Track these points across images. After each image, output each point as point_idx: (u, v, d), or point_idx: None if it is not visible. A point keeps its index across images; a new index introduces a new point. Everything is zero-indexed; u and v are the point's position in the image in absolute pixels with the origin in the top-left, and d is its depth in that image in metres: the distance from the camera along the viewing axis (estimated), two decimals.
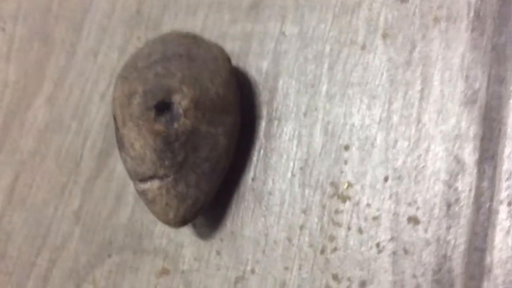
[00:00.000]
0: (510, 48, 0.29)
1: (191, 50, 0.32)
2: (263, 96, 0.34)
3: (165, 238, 0.36)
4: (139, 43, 0.39)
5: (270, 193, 0.33)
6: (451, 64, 0.30)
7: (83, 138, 0.40)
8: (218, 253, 0.34)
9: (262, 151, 0.34)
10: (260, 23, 0.35)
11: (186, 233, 0.35)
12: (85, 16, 0.42)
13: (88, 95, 0.40)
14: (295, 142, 0.33)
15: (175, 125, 0.30)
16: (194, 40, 0.33)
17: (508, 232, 0.28)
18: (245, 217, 0.34)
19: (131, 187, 0.37)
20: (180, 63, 0.31)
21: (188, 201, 0.31)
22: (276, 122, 0.34)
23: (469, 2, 0.30)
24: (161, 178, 0.31)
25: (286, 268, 0.32)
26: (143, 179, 0.31)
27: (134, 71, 0.31)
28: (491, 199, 0.28)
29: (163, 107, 0.31)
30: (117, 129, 0.32)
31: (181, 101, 0.30)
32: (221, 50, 0.33)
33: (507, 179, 0.28)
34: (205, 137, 0.31)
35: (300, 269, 0.32)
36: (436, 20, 0.31)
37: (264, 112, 0.34)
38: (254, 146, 0.34)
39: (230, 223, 0.34)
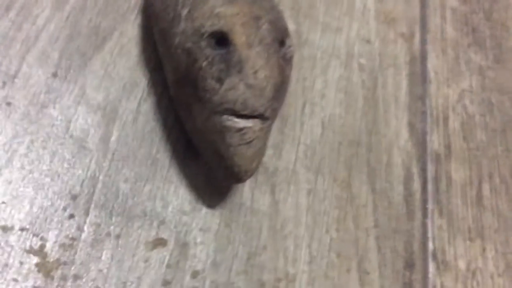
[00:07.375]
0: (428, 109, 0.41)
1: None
2: None
3: (158, 200, 0.28)
4: None
5: (278, 170, 0.32)
6: (400, 101, 0.39)
7: None
8: (227, 225, 0.29)
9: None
10: None
11: (186, 197, 0.29)
12: None
13: None
14: (298, 128, 0.34)
15: (287, 68, 0.27)
16: None
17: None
18: (255, 191, 0.31)
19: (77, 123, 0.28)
20: (275, 8, 0.29)
21: (264, 151, 0.27)
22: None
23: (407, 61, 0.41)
24: (264, 119, 0.26)
25: (296, 246, 0.31)
26: (248, 115, 0.25)
27: None
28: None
29: (281, 45, 0.27)
30: (230, 47, 0.25)
31: (290, 46, 0.28)
32: None
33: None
34: (282, 93, 0.29)
35: (309, 247, 0.31)
36: (389, 64, 0.40)
37: None
38: None
39: (240, 195, 0.30)
